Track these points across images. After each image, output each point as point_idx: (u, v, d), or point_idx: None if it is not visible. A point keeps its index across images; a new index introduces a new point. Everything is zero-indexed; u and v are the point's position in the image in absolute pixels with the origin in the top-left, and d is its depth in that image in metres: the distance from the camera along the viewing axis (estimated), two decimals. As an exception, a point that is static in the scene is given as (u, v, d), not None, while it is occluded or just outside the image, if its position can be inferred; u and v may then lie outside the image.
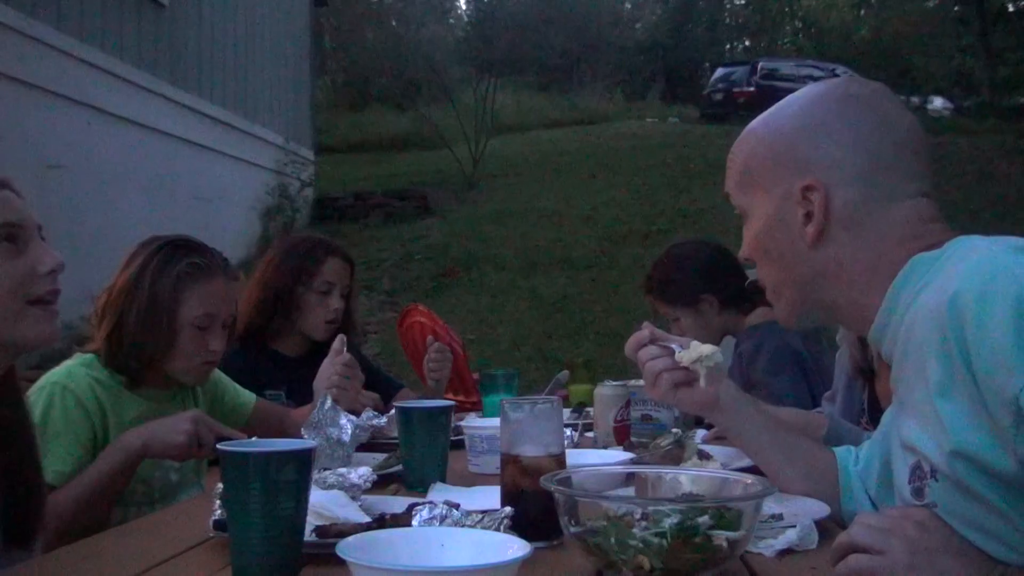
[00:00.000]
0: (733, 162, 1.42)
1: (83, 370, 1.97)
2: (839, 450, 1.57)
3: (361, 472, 1.48)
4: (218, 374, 2.27)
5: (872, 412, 2.11)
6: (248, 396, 2.34)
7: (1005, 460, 1.06)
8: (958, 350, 1.07)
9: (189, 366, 2.05)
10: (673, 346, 1.55)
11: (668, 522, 1.10)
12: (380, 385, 2.88)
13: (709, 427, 2.12)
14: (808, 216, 1.30)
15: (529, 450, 1.33)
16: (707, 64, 29.01)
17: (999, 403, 1.04)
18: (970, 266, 1.10)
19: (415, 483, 1.72)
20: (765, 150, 1.37)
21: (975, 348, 1.05)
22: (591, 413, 2.34)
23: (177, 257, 2.03)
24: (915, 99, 21.27)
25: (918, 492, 1.21)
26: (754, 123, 1.42)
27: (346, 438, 1.82)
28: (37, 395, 1.89)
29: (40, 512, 1.52)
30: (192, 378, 2.10)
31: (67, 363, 2.00)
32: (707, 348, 1.52)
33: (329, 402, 1.86)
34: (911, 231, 1.27)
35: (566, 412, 2.37)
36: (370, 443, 2.05)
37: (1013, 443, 1.04)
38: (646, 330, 1.58)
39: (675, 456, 1.84)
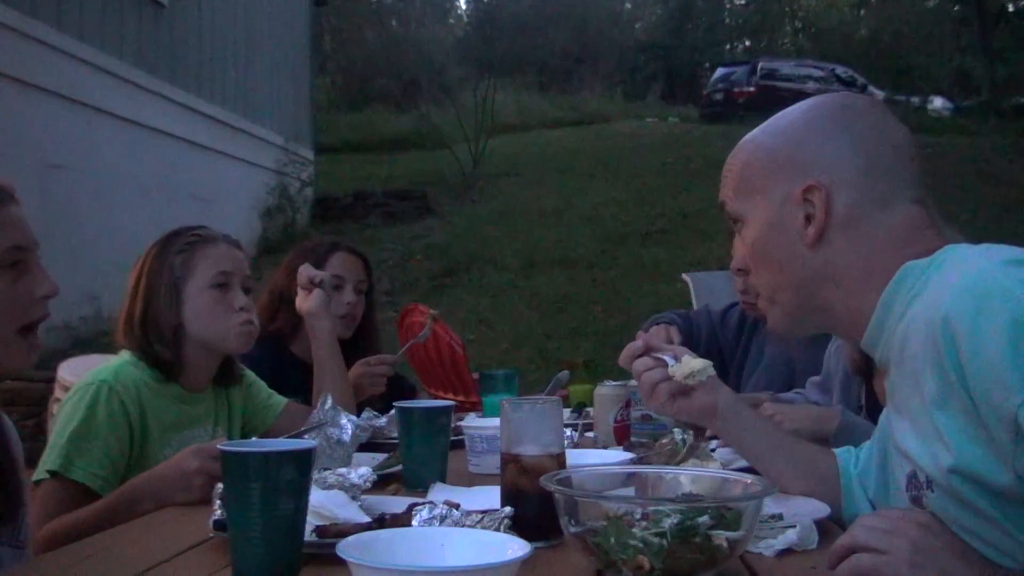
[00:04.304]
0: (730, 170, 1.42)
1: (131, 370, 1.97)
2: (840, 451, 1.57)
3: (361, 472, 1.48)
4: (253, 376, 2.29)
5: (871, 410, 2.12)
6: (280, 399, 2.34)
7: (1003, 475, 1.07)
8: (953, 368, 1.07)
9: (225, 330, 2.04)
10: (666, 358, 1.56)
11: (668, 522, 1.10)
12: (404, 389, 2.90)
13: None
14: (808, 218, 1.31)
15: (529, 450, 1.33)
16: (707, 64, 29.00)
17: (997, 420, 1.04)
18: (962, 283, 1.10)
19: (415, 483, 1.72)
20: (765, 155, 1.37)
21: (970, 367, 1.05)
22: (591, 413, 2.34)
23: (173, 239, 2.07)
24: (915, 99, 21.23)
25: (916, 501, 1.21)
26: (752, 133, 1.42)
27: (346, 438, 1.82)
28: (84, 390, 1.88)
29: (19, 495, 1.56)
30: (233, 342, 2.07)
31: (116, 361, 1.99)
32: (698, 363, 1.53)
33: (330, 402, 1.86)
34: (906, 237, 1.27)
35: (566, 412, 2.37)
36: (370, 443, 2.05)
37: (1012, 459, 1.05)
38: (640, 340, 1.59)
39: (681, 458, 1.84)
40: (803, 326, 1.41)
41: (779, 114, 1.41)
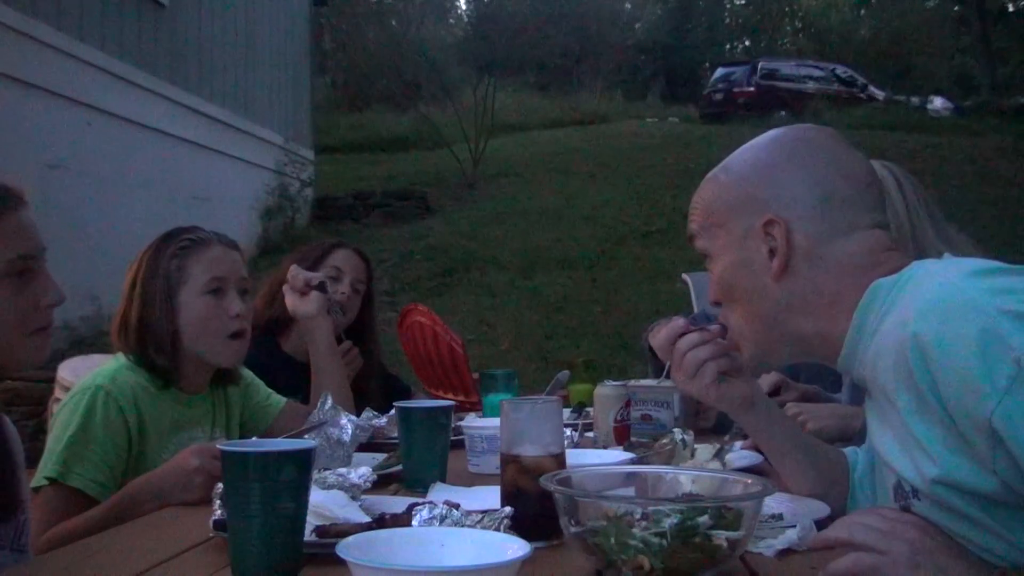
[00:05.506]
0: (696, 208, 1.46)
1: (128, 373, 1.96)
2: (847, 451, 1.59)
3: (361, 472, 1.48)
4: (252, 376, 2.27)
5: None
6: (279, 398, 2.33)
7: (988, 481, 1.08)
8: (925, 383, 1.10)
9: (216, 339, 2.02)
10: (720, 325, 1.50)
11: (668, 522, 1.10)
12: (399, 391, 2.90)
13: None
14: (772, 252, 1.34)
15: (529, 450, 1.33)
16: (707, 64, 29.03)
17: (973, 428, 1.06)
18: (928, 299, 1.12)
19: (415, 483, 1.72)
20: (725, 193, 1.41)
21: (941, 379, 1.07)
22: (591, 413, 2.34)
23: (166, 244, 2.05)
24: (915, 99, 21.25)
25: (905, 511, 1.22)
26: (714, 170, 1.46)
27: (346, 438, 1.82)
28: (81, 395, 1.88)
29: (18, 494, 1.56)
30: (224, 354, 2.05)
31: (112, 364, 1.98)
32: None
33: (330, 402, 1.86)
34: (870, 260, 1.31)
35: (566, 412, 2.37)
36: (370, 443, 2.05)
37: (992, 465, 1.06)
38: (682, 320, 1.54)
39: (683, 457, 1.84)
40: (776, 357, 1.43)
41: (739, 150, 1.45)
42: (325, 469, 1.51)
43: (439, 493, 1.61)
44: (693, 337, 1.49)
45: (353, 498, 1.41)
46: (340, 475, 1.46)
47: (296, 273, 2.45)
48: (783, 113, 17.62)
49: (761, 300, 1.37)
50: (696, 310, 3.83)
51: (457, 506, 1.25)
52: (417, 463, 1.75)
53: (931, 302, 1.11)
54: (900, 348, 1.13)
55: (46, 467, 1.81)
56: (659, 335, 1.53)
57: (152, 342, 1.99)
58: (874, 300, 1.26)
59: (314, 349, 2.43)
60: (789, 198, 1.34)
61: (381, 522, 1.26)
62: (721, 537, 1.11)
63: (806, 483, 1.52)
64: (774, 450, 1.60)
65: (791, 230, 1.33)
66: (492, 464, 1.70)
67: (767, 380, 2.34)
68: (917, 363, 1.10)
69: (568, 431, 2.01)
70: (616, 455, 1.88)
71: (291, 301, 2.44)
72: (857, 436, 1.92)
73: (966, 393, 1.05)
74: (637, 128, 19.23)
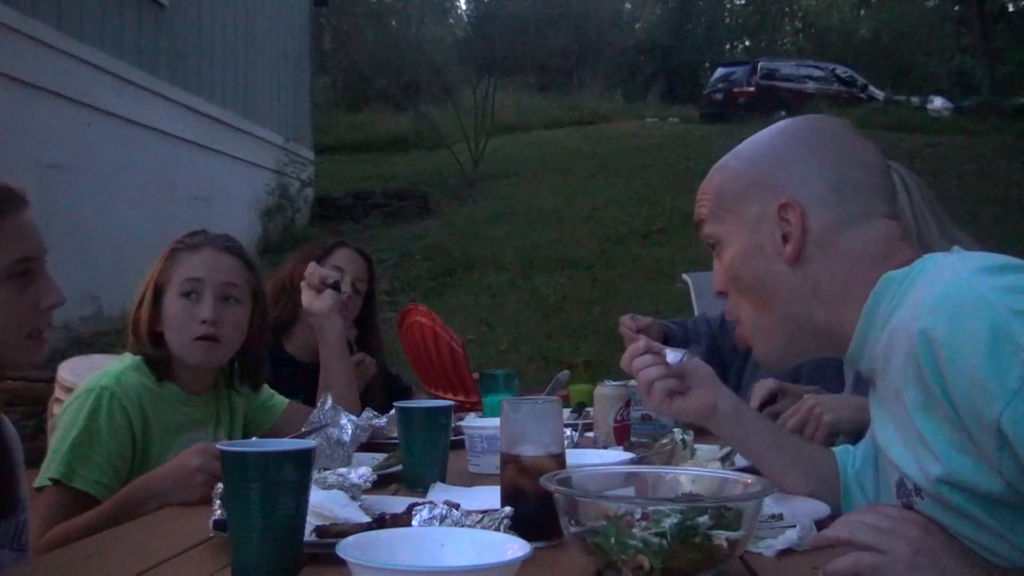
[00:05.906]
0: (705, 193, 1.44)
1: (133, 374, 1.96)
2: (838, 450, 1.58)
3: (361, 472, 1.48)
4: None
5: None
6: (281, 400, 2.32)
7: (993, 482, 1.07)
8: (934, 380, 1.08)
9: (184, 341, 2.00)
10: (668, 353, 1.55)
11: (668, 522, 1.10)
12: (400, 391, 2.90)
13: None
14: (785, 237, 1.32)
15: (529, 450, 1.33)
16: (707, 64, 29.04)
17: (980, 428, 1.05)
18: (938, 294, 1.11)
19: (415, 483, 1.72)
20: (738, 177, 1.39)
21: (950, 376, 1.06)
22: (591, 413, 2.34)
23: (171, 246, 2.07)
24: (915, 99, 21.25)
25: (907, 508, 1.21)
26: (724, 158, 1.45)
27: (346, 438, 1.82)
28: (86, 395, 1.87)
29: (17, 492, 1.56)
30: (192, 356, 2.02)
31: (117, 365, 1.98)
32: None
33: (330, 402, 1.86)
34: (882, 250, 1.29)
35: (566, 412, 2.37)
36: (370, 443, 2.05)
37: (998, 466, 1.05)
38: (642, 342, 1.58)
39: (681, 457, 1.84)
40: (787, 349, 1.40)
41: (748, 139, 1.44)
42: (325, 469, 1.51)
43: (439, 493, 1.61)
44: (644, 359, 1.56)
45: (353, 498, 1.41)
46: (340, 475, 1.46)
47: (314, 270, 2.46)
48: (783, 113, 17.61)
49: (771, 287, 1.35)
50: (696, 310, 3.83)
51: (457, 506, 1.25)
52: (417, 463, 1.75)
53: (941, 297, 1.10)
54: (909, 342, 1.12)
55: (50, 467, 1.81)
56: (623, 356, 1.60)
57: (149, 341, 2.00)
58: (884, 293, 1.24)
59: (324, 347, 2.44)
60: (803, 182, 1.32)
61: (381, 522, 1.26)
62: (721, 537, 1.11)
63: (786, 483, 1.51)
64: (750, 452, 1.60)
65: (806, 214, 1.31)
66: (492, 464, 1.69)
67: (764, 387, 2.34)
68: (926, 357, 1.08)
69: (568, 431, 2.01)
70: (616, 455, 1.88)
71: (307, 297, 2.45)
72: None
73: (974, 392, 1.03)
74: (637, 128, 19.22)
